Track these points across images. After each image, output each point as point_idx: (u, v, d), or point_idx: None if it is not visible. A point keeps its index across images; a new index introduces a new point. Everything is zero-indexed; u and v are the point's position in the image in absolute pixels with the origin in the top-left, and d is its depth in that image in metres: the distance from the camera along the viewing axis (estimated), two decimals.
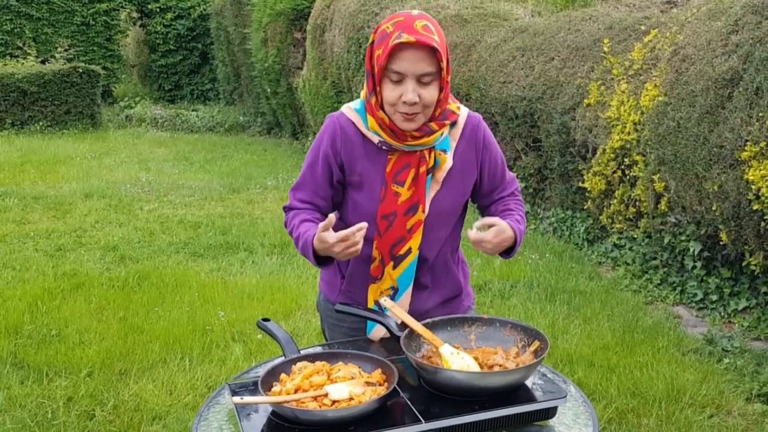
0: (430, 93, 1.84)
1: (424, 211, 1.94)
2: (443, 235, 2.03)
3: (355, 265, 2.02)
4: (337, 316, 2.09)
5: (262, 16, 11.92)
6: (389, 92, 1.84)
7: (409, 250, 1.95)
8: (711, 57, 4.50)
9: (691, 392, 3.61)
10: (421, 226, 1.94)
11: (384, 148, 1.93)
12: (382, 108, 1.89)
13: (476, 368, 1.71)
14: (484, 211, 2.16)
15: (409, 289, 2.00)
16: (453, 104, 1.97)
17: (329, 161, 1.96)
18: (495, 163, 2.06)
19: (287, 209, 2.06)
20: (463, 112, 2.00)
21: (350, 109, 1.98)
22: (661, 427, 3.34)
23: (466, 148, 2.00)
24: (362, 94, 1.98)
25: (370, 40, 1.88)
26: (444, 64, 1.83)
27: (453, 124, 1.98)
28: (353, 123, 1.95)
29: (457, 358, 1.72)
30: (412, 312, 2.01)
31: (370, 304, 2.01)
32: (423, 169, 1.92)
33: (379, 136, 1.92)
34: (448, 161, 1.95)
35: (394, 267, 1.97)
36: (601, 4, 7.00)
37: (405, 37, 1.77)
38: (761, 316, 4.36)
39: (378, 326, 2.02)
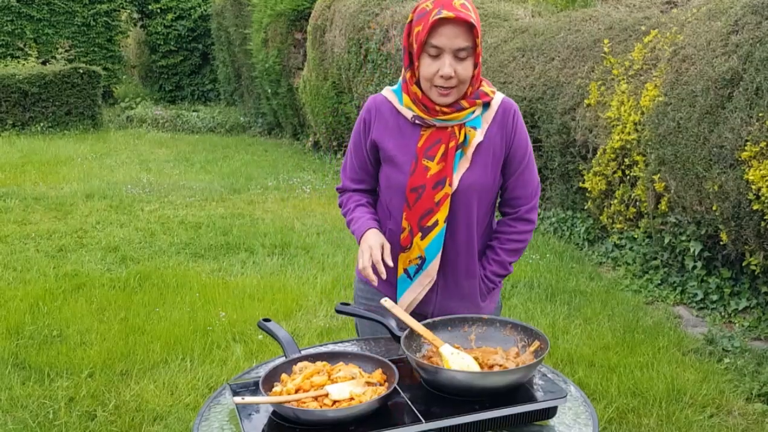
0: (466, 68, 1.93)
1: (451, 185, 2.00)
2: (474, 215, 2.07)
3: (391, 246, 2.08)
4: (366, 297, 2.19)
5: (262, 17, 11.93)
6: (427, 67, 1.93)
7: (437, 222, 2.02)
8: (711, 57, 4.51)
9: (691, 392, 3.62)
10: (448, 199, 2.00)
11: (417, 122, 2.02)
12: (417, 83, 1.99)
13: (476, 368, 1.72)
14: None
15: (436, 260, 2.05)
16: (488, 87, 2.04)
17: (366, 136, 2.10)
18: (514, 154, 2.08)
19: (341, 191, 2.23)
20: (498, 96, 2.07)
21: (389, 90, 2.12)
22: (661, 426, 3.35)
23: (497, 131, 2.05)
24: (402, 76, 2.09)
25: (409, 19, 1.98)
26: (479, 41, 1.92)
27: (486, 106, 2.04)
28: (389, 101, 2.08)
29: (457, 358, 1.73)
30: (432, 309, 2.11)
31: (399, 273, 2.09)
32: (452, 144, 1.99)
33: (413, 111, 2.02)
34: (477, 136, 2.01)
35: (422, 238, 2.04)
36: (601, 5, 7.01)
37: (445, 13, 1.86)
38: (761, 316, 4.36)
39: (405, 295, 2.09)
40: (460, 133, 2.00)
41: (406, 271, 2.08)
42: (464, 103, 1.99)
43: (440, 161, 1.99)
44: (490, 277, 2.16)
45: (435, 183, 1.99)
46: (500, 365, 1.74)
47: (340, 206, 2.25)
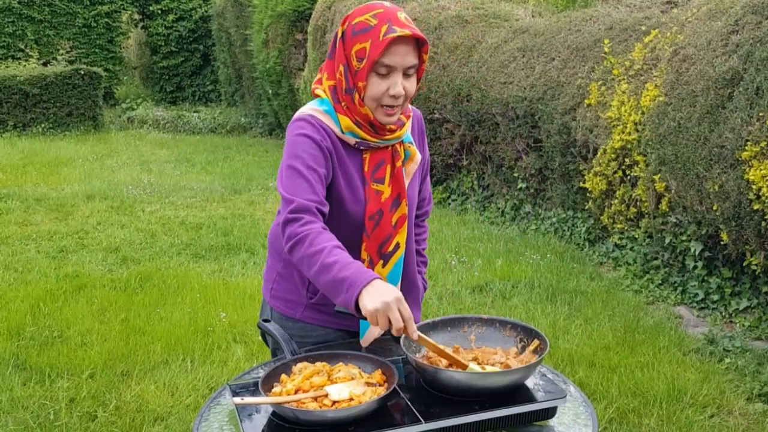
0: (412, 85, 1.84)
1: (407, 204, 1.94)
2: (412, 227, 2.06)
3: None
4: (300, 333, 1.97)
5: (263, 18, 11.93)
6: (376, 86, 1.79)
7: (397, 245, 1.94)
8: (711, 57, 4.51)
9: (692, 392, 3.61)
10: (406, 220, 1.95)
11: (361, 148, 1.88)
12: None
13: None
14: None
15: (399, 284, 1.99)
16: None
17: (325, 161, 1.82)
18: (424, 159, 2.10)
19: (298, 213, 1.71)
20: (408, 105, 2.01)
21: (319, 112, 1.87)
22: (662, 427, 3.35)
23: (416, 141, 2.03)
24: (321, 92, 1.89)
25: (340, 33, 1.82)
26: (426, 57, 1.84)
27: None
28: (328, 126, 1.86)
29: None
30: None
31: None
32: (399, 163, 1.92)
33: (355, 136, 1.86)
34: (417, 153, 1.96)
35: (384, 265, 1.94)
36: (601, 5, 7.01)
37: (400, 31, 1.74)
38: (762, 316, 4.36)
39: (371, 329, 1.92)
40: (401, 150, 1.93)
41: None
42: (403, 118, 1.91)
43: (390, 182, 1.90)
44: (424, 277, 2.19)
45: (391, 206, 1.90)
46: (501, 363, 1.74)
47: (295, 244, 1.68)
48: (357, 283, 1.58)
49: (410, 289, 2.09)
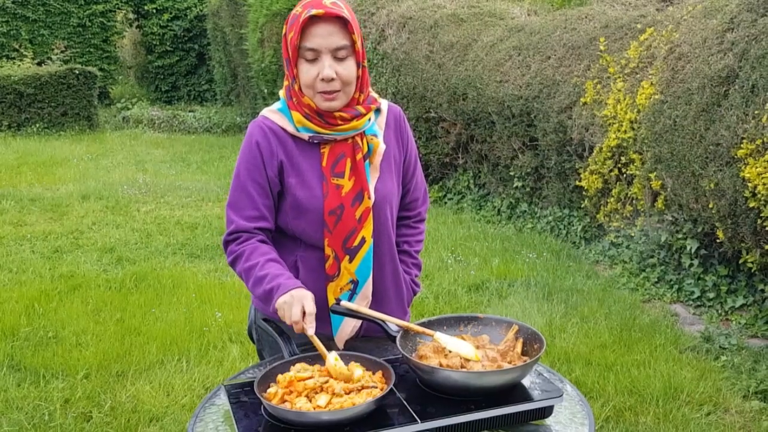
0: (347, 68, 1.81)
1: (370, 198, 1.91)
2: (390, 225, 2.01)
3: (306, 274, 1.95)
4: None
5: (258, 17, 11.90)
6: (306, 73, 1.81)
7: (363, 240, 1.92)
8: (707, 55, 4.51)
9: (688, 390, 3.61)
10: (371, 214, 1.91)
11: (316, 142, 1.88)
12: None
13: (473, 353, 1.72)
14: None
15: (370, 280, 1.96)
16: (373, 92, 1.97)
17: (267, 166, 1.89)
18: (410, 157, 2.08)
19: (234, 235, 1.91)
20: (384, 101, 2.01)
21: (272, 111, 1.93)
22: (658, 425, 3.35)
23: (392, 137, 2.01)
24: (281, 93, 1.94)
25: (284, 32, 1.85)
26: (357, 39, 1.81)
27: (377, 112, 1.98)
28: (279, 125, 1.90)
29: (455, 341, 1.75)
30: (361, 329, 2.01)
31: (331, 304, 1.94)
32: (359, 156, 1.89)
33: (308, 130, 1.87)
34: (381, 145, 1.94)
35: (350, 260, 1.92)
36: (597, 3, 7.00)
37: (314, 11, 1.75)
38: (758, 314, 4.36)
39: (343, 327, 1.97)
40: (362, 143, 1.90)
41: (338, 300, 1.91)
42: (361, 109, 1.87)
43: (351, 176, 1.88)
44: (416, 281, 2.15)
45: (353, 200, 1.88)
46: (495, 349, 1.76)
47: (235, 260, 1.89)
48: (280, 290, 1.77)
49: (396, 291, 2.05)
